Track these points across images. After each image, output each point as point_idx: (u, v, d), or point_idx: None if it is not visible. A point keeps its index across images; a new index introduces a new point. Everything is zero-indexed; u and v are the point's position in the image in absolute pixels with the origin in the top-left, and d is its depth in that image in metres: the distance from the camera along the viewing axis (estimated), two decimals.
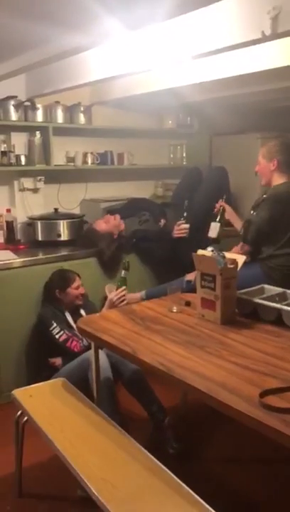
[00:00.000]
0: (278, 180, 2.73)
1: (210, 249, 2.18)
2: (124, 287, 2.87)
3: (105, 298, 3.00)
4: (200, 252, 2.23)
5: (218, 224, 3.03)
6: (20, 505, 2.08)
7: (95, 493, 1.52)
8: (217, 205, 3.08)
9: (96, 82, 2.73)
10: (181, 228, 3.33)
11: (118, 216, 3.42)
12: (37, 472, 2.24)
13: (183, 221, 3.33)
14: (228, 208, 3.06)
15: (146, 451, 1.74)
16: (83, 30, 1.75)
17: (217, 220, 3.04)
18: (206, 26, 1.82)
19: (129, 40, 2.01)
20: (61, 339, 2.73)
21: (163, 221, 3.51)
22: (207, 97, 3.40)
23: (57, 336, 2.74)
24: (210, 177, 3.74)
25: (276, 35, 1.65)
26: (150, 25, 1.71)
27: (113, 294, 2.86)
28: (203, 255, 2.18)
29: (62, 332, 2.74)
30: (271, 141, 2.78)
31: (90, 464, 1.68)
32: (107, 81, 3.07)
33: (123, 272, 2.92)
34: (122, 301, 2.84)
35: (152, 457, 1.70)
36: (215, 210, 3.07)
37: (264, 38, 1.66)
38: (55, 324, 2.76)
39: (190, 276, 2.89)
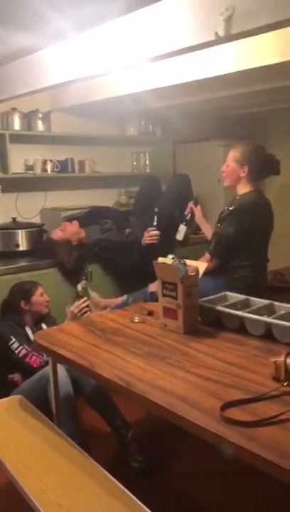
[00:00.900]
0: (243, 188, 2.65)
1: (170, 256, 2.12)
2: (85, 298, 2.78)
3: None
4: (160, 259, 2.17)
5: (185, 227, 2.99)
6: None
7: None
8: (188, 208, 3.02)
9: (53, 87, 2.64)
10: (152, 235, 3.26)
11: (75, 222, 3.33)
12: None
13: (154, 228, 3.27)
14: (197, 212, 3.01)
15: (106, 472, 1.64)
16: (32, 31, 1.68)
17: (185, 223, 3.00)
18: (158, 28, 1.77)
19: (81, 41, 1.95)
20: (20, 354, 2.62)
21: (127, 230, 3.44)
22: (168, 103, 3.37)
23: (16, 351, 2.62)
24: (172, 185, 3.71)
25: (230, 37, 1.61)
26: (100, 25, 1.65)
27: (74, 305, 2.77)
28: (164, 263, 2.11)
29: (21, 347, 2.63)
30: (245, 146, 2.65)
31: (45, 487, 1.57)
32: (65, 86, 3.00)
33: (83, 282, 2.83)
34: (84, 312, 2.75)
35: (113, 479, 1.61)
36: (186, 212, 3.02)
37: (218, 40, 1.62)
38: (13, 339, 2.65)
39: (152, 288, 2.83)
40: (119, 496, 1.53)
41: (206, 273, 2.26)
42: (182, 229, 3.01)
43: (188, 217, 3.01)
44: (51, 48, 2.04)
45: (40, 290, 2.82)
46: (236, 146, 2.68)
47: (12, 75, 2.67)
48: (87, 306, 2.78)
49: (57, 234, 3.24)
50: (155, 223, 3.27)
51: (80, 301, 2.77)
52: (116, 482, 1.58)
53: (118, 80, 2.85)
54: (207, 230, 2.95)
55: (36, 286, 2.83)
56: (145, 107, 3.55)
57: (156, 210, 3.31)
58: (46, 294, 2.85)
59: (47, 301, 2.83)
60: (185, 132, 4.21)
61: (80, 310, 2.73)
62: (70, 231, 3.25)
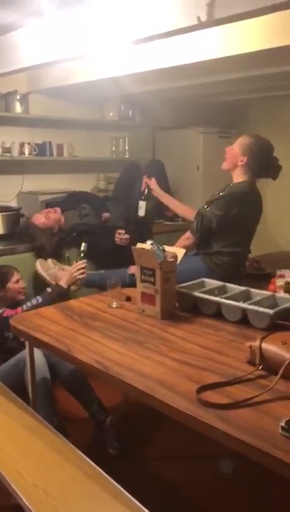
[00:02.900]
0: (238, 177, 2.64)
1: (149, 242, 2.13)
2: (84, 260, 2.74)
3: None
4: (139, 245, 2.17)
5: (144, 202, 3.02)
6: None
7: (24, 500, 1.42)
8: (143, 184, 3.04)
9: (30, 69, 2.60)
10: (122, 238, 3.31)
11: (58, 209, 3.31)
12: None
13: (124, 231, 3.31)
14: (153, 185, 3.00)
15: (83, 454, 1.65)
16: (10, 7, 1.63)
17: (143, 198, 3.02)
18: (141, 11, 1.75)
19: (62, 20, 1.91)
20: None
21: (105, 215, 3.43)
22: (149, 88, 3.35)
23: None
24: (146, 171, 3.69)
25: (212, 22, 1.61)
26: (82, 5, 1.62)
27: (73, 265, 2.75)
28: (142, 249, 2.12)
29: None
30: (255, 139, 2.61)
31: (21, 469, 1.57)
32: (44, 68, 2.95)
33: (83, 244, 2.80)
34: (82, 273, 2.73)
35: (89, 461, 1.62)
36: (142, 188, 3.04)
37: (201, 25, 1.62)
38: None
39: (133, 269, 2.83)
40: (95, 478, 1.54)
41: (187, 256, 2.27)
42: (142, 204, 3.04)
43: (145, 193, 3.02)
44: (28, 27, 1.99)
45: (16, 276, 2.77)
46: (249, 134, 2.65)
47: None
48: (84, 268, 2.74)
49: (39, 220, 3.20)
50: (124, 226, 3.32)
51: (79, 263, 2.73)
52: (93, 464, 1.59)
53: (98, 63, 2.82)
54: (168, 202, 2.98)
55: (12, 272, 2.78)
56: (125, 92, 3.51)
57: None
58: (23, 279, 2.82)
59: (23, 288, 2.79)
60: (165, 118, 4.19)
61: (78, 270, 2.70)
62: (54, 219, 3.22)
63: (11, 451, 1.68)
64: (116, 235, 3.31)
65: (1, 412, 1.92)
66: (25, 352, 2.35)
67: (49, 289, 2.69)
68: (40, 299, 2.60)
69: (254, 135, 2.64)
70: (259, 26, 2.10)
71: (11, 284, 2.74)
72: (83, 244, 2.82)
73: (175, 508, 2.02)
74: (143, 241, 2.20)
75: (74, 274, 2.70)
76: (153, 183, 2.99)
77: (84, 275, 2.74)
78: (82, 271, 2.72)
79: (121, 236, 3.30)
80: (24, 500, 1.43)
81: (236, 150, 2.63)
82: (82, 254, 2.78)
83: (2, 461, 1.60)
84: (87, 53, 2.25)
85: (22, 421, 1.86)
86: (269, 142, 2.63)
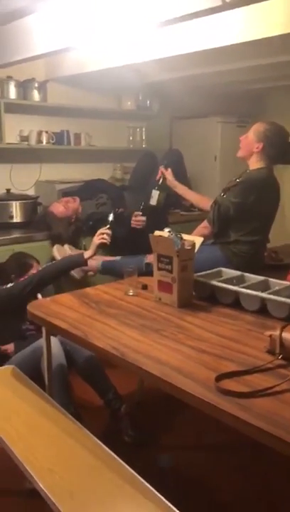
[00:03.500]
0: (255, 164, 2.62)
1: (167, 230, 2.10)
2: (108, 226, 2.64)
3: (52, 259, 2.87)
4: (157, 233, 2.15)
5: (157, 192, 2.98)
6: None
7: (40, 484, 1.42)
8: (159, 173, 3.00)
9: (47, 55, 2.57)
10: (138, 220, 3.22)
11: (77, 199, 3.29)
12: None
13: (140, 213, 3.22)
14: (169, 176, 2.97)
15: (98, 440, 1.65)
16: None
17: (157, 187, 2.98)
18: None
19: (78, 3, 1.87)
20: (19, 281, 2.52)
21: (120, 210, 3.40)
22: (169, 76, 3.30)
23: (10, 285, 2.51)
24: (163, 160, 3.66)
25: (236, 3, 1.57)
26: None
27: (98, 232, 2.62)
28: (160, 236, 2.10)
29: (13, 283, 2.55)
30: (270, 125, 2.59)
31: (37, 454, 1.58)
32: (61, 54, 2.93)
33: (111, 215, 2.71)
34: (103, 238, 2.59)
35: (105, 447, 1.61)
36: (157, 177, 3.00)
37: (225, 6, 1.58)
38: (9, 285, 2.54)
39: (150, 258, 2.80)
40: (111, 464, 1.54)
41: (204, 245, 2.25)
42: (155, 194, 2.99)
43: (159, 182, 2.98)
44: (43, 11, 1.96)
45: (35, 268, 2.75)
46: (263, 121, 2.62)
47: (5, 40, 2.59)
48: (107, 234, 2.62)
49: (58, 209, 3.19)
50: (141, 208, 3.23)
51: (104, 228, 2.62)
52: (109, 451, 1.59)
53: (118, 49, 2.78)
54: (183, 192, 2.95)
55: (32, 264, 2.77)
56: (144, 80, 3.47)
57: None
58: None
59: None
60: (182, 108, 4.15)
61: (100, 234, 2.59)
62: (72, 208, 3.21)
63: (27, 437, 1.68)
64: (133, 218, 3.23)
65: (17, 397, 1.93)
66: (42, 340, 2.36)
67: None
68: (56, 261, 2.61)
69: (269, 121, 2.61)
70: (284, 8, 2.04)
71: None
72: (111, 214, 2.72)
73: (190, 496, 2.01)
74: (160, 227, 2.17)
75: (95, 239, 2.61)
76: (169, 173, 2.96)
77: (106, 240, 2.58)
78: (103, 235, 2.58)
79: (137, 218, 3.21)
80: (40, 485, 1.43)
81: (251, 137, 2.60)
82: (108, 226, 2.67)
83: (18, 446, 1.61)
84: (106, 39, 2.22)
85: (38, 407, 1.87)
86: (284, 128, 2.61)
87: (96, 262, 2.91)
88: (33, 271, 2.73)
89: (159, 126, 4.25)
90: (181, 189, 2.96)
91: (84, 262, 2.55)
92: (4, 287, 2.53)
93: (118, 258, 2.99)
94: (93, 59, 2.98)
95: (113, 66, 2.94)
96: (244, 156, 2.65)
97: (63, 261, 2.64)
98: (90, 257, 2.56)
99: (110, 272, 2.88)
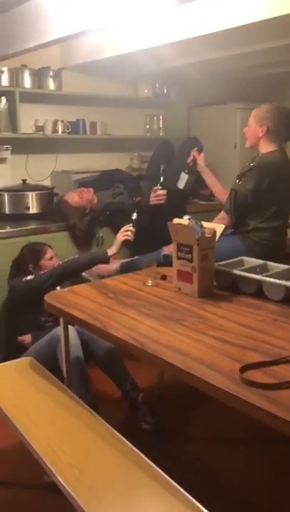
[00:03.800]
0: (266, 147, 2.56)
1: (186, 217, 2.04)
2: (131, 225, 2.64)
3: None
4: (176, 220, 2.08)
5: (187, 175, 2.89)
6: None
7: (60, 479, 1.38)
8: (191, 156, 2.91)
9: (63, 40, 2.51)
10: (158, 194, 3.09)
11: (92, 190, 3.24)
12: (3, 459, 2.10)
13: (160, 187, 3.10)
14: (200, 160, 2.88)
15: (117, 433, 1.60)
16: None
17: (187, 170, 2.89)
18: None
19: None
20: (38, 274, 2.54)
21: (137, 199, 3.33)
22: (187, 61, 3.21)
23: (31, 277, 2.54)
24: (182, 149, 3.58)
25: None
26: None
27: (122, 229, 2.65)
28: (179, 224, 2.03)
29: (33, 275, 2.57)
30: (266, 106, 2.57)
31: (56, 448, 1.54)
32: (77, 41, 2.88)
33: (134, 214, 2.69)
34: (127, 235, 2.60)
35: (124, 439, 1.57)
36: (188, 160, 2.91)
37: None
38: (26, 277, 2.56)
39: (167, 250, 2.74)
40: (130, 457, 1.49)
41: (223, 235, 2.18)
42: (183, 176, 2.90)
43: (190, 165, 2.89)
44: None
45: (49, 253, 2.75)
46: (261, 106, 2.59)
47: (20, 25, 2.53)
48: (131, 232, 2.63)
49: (72, 198, 3.14)
50: (161, 181, 3.12)
51: (127, 226, 2.63)
52: (128, 443, 1.55)
53: (134, 33, 2.70)
54: (210, 180, 2.87)
55: (45, 249, 2.76)
56: (161, 66, 3.38)
57: (162, 167, 3.15)
58: (57, 256, 2.78)
59: None
60: (200, 95, 4.05)
61: (123, 232, 2.59)
62: (87, 198, 3.16)
63: (45, 429, 1.65)
64: (152, 194, 3.11)
65: (36, 390, 1.90)
66: (58, 329, 2.34)
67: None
68: (78, 256, 2.58)
69: (265, 104, 2.59)
70: None
71: (45, 261, 2.71)
72: (135, 213, 2.69)
73: (209, 489, 1.96)
74: (179, 215, 2.11)
75: (118, 237, 2.60)
76: (201, 158, 2.88)
77: (129, 237, 2.60)
78: (127, 233, 2.59)
79: (157, 193, 3.09)
80: (59, 479, 1.39)
81: (252, 124, 2.59)
82: (131, 224, 2.65)
83: (37, 439, 1.58)
84: (122, 20, 2.14)
85: (57, 399, 1.83)
86: (280, 105, 2.60)
87: (114, 264, 2.88)
88: (47, 255, 2.72)
89: (177, 114, 4.16)
90: (209, 177, 2.87)
91: (107, 259, 2.55)
92: (24, 279, 2.52)
93: (135, 258, 2.93)
94: (109, 44, 2.91)
95: (129, 51, 2.86)
96: (251, 144, 2.63)
97: (86, 256, 2.62)
98: (114, 255, 2.57)
99: (129, 272, 2.83)
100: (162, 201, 3.10)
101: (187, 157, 3.13)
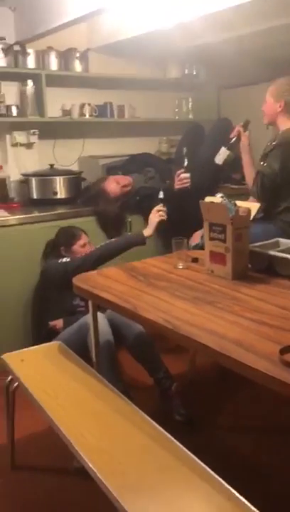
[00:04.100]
0: (285, 123, 2.45)
1: (219, 195, 1.95)
2: (161, 204, 2.59)
3: None
4: (208, 199, 1.99)
5: (228, 151, 2.74)
6: (13, 478, 1.92)
7: (90, 464, 1.33)
8: (235, 131, 2.77)
9: (87, 18, 2.45)
10: (182, 178, 2.97)
11: (130, 178, 3.15)
12: (31, 443, 2.07)
13: (183, 170, 2.97)
14: (244, 138, 2.74)
15: (149, 418, 1.54)
16: None
17: (228, 146, 2.74)
18: None
19: None
20: (75, 259, 2.52)
21: (168, 182, 3.24)
22: (217, 37, 3.07)
23: (67, 259, 2.53)
24: (213, 130, 3.45)
25: None
26: None
27: (154, 209, 2.60)
28: (212, 203, 1.94)
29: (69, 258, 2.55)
30: (282, 81, 2.49)
31: (86, 433, 1.49)
32: (103, 20, 2.80)
33: (160, 192, 2.64)
34: (161, 216, 2.54)
35: (156, 425, 1.51)
36: (232, 135, 2.76)
37: None
38: (62, 259, 2.55)
39: (196, 238, 2.62)
40: (162, 442, 1.44)
41: (254, 220, 2.07)
42: (223, 152, 2.75)
43: (232, 141, 2.74)
44: None
45: (83, 240, 2.69)
46: (274, 81, 2.53)
47: (44, 6, 2.49)
48: (164, 211, 2.57)
49: (110, 187, 3.06)
50: (184, 165, 2.99)
51: (157, 207, 2.58)
52: (161, 429, 1.49)
53: (161, 8, 2.60)
54: (247, 162, 2.73)
55: (80, 235, 2.71)
56: (189, 43, 3.26)
57: (185, 150, 3.02)
58: (91, 244, 2.72)
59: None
60: (231, 75, 3.90)
61: (156, 212, 2.55)
62: (124, 190, 3.08)
63: (75, 414, 1.61)
64: (175, 178, 2.99)
65: (65, 374, 1.86)
66: (87, 317, 2.29)
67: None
68: (115, 240, 2.55)
69: (281, 78, 2.52)
70: None
71: (77, 247, 2.67)
72: (161, 192, 2.63)
73: (245, 479, 1.88)
74: (210, 193, 2.01)
75: (151, 217, 2.55)
76: (246, 136, 2.75)
77: (164, 217, 2.55)
78: (160, 212, 2.54)
79: (180, 176, 2.97)
80: (89, 465, 1.34)
81: (269, 100, 2.52)
82: (160, 204, 2.59)
83: (66, 424, 1.53)
84: None
85: (86, 384, 1.79)
86: None
87: None
88: (80, 241, 2.68)
89: (207, 96, 4.03)
90: (248, 160, 2.73)
91: (144, 241, 2.51)
92: (60, 261, 2.50)
93: None
94: (135, 22, 2.82)
95: (156, 29, 2.76)
96: (269, 121, 2.56)
97: (123, 239, 2.58)
98: (150, 236, 2.53)
99: None
100: (186, 185, 2.98)
101: (218, 139, 3.02)
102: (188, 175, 2.96)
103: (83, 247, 2.68)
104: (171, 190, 3.10)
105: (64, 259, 2.52)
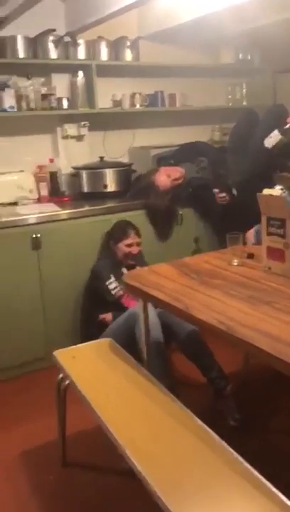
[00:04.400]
0: None
1: (278, 187, 1.83)
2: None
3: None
4: (266, 191, 1.88)
5: (280, 135, 2.59)
6: (63, 476, 1.91)
7: (138, 467, 1.29)
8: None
9: (138, 5, 2.37)
10: (220, 197, 2.92)
11: (181, 169, 3.06)
12: (81, 440, 2.06)
13: (217, 190, 2.91)
14: None
15: (200, 421, 1.48)
16: None
17: (281, 131, 2.60)
18: None
19: None
20: (116, 295, 2.53)
21: (221, 171, 3.12)
22: (272, 19, 2.90)
23: (113, 292, 2.54)
24: (267, 115, 3.28)
25: None
26: None
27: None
28: (270, 195, 1.83)
29: (118, 288, 2.54)
30: None
31: (135, 434, 1.45)
32: (152, 7, 2.71)
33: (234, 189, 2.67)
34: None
35: (207, 428, 1.44)
36: (288, 119, 2.63)
37: None
38: (112, 279, 2.57)
39: (249, 238, 2.48)
40: (212, 446, 1.37)
41: None
42: (275, 135, 2.60)
43: (287, 126, 2.59)
44: None
45: (130, 240, 2.65)
46: None
47: None
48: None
49: (160, 180, 2.97)
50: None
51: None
52: (213, 433, 1.42)
53: None
54: None
55: (129, 234, 2.66)
56: (242, 27, 3.11)
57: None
58: (139, 245, 2.69)
59: (133, 254, 2.66)
60: (286, 59, 3.70)
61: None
62: (177, 184, 3.01)
63: (124, 414, 1.57)
64: (216, 195, 2.94)
65: (115, 372, 1.83)
66: (135, 308, 2.25)
67: None
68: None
69: None
70: None
71: (122, 245, 2.65)
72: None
73: None
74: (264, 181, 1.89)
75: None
76: None
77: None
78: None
79: (218, 195, 2.92)
80: (138, 468, 1.30)
81: None
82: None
83: (115, 424, 1.50)
84: None
85: (136, 382, 1.74)
86: None
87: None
88: (127, 241, 2.65)
89: (261, 81, 3.84)
90: None
91: None
92: (108, 283, 2.57)
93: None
94: (185, 7, 2.71)
95: (208, 13, 2.64)
96: None
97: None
98: None
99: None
100: (225, 203, 2.92)
101: (272, 125, 2.86)
102: (223, 194, 2.91)
103: (128, 246, 2.65)
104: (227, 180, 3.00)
105: (110, 285, 2.56)
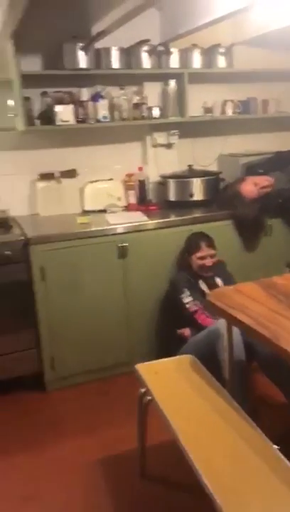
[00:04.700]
0: None
1: None
2: None
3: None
4: None
5: None
6: (141, 487, 1.95)
7: (208, 484, 1.32)
8: None
9: (232, 15, 2.31)
10: None
11: (271, 179, 2.96)
12: (160, 453, 2.08)
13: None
14: None
15: (274, 447, 1.46)
16: None
17: None
18: None
19: None
20: (190, 310, 2.52)
21: None
22: None
23: (186, 306, 2.54)
24: None
25: None
26: None
27: None
28: None
29: (191, 302, 2.53)
30: None
31: (209, 454, 1.47)
32: (250, 13, 2.63)
33: None
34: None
35: (281, 456, 1.43)
36: None
37: None
38: (187, 292, 2.57)
39: None
40: (285, 476, 1.35)
41: None
42: None
43: None
44: None
45: (203, 252, 2.63)
46: None
47: (188, 4, 2.41)
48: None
49: (246, 189, 2.89)
50: None
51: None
52: (285, 460, 1.40)
53: None
54: None
55: (201, 247, 2.63)
56: None
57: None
58: (214, 257, 2.66)
59: (207, 267, 2.63)
60: None
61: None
62: (265, 192, 2.92)
63: (199, 433, 1.59)
64: None
65: (194, 390, 1.84)
66: (218, 323, 2.23)
67: None
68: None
69: None
70: None
71: (194, 258, 2.65)
72: None
73: None
74: None
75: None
76: None
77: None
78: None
79: None
80: (207, 485, 1.34)
81: None
82: None
83: (189, 441, 1.53)
84: None
85: (217, 405, 1.73)
86: None
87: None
88: (198, 254, 2.63)
89: None
90: None
91: None
92: (181, 296, 2.58)
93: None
94: (285, 13, 2.59)
95: None
96: None
97: None
98: None
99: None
100: None
101: None
102: None
103: (201, 259, 2.63)
104: None
105: (185, 299, 2.56)
